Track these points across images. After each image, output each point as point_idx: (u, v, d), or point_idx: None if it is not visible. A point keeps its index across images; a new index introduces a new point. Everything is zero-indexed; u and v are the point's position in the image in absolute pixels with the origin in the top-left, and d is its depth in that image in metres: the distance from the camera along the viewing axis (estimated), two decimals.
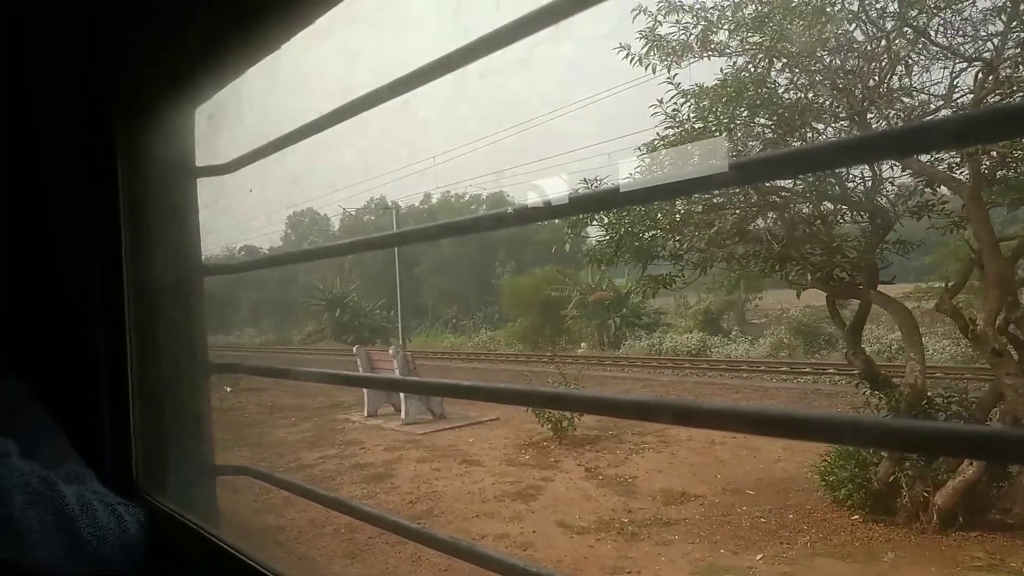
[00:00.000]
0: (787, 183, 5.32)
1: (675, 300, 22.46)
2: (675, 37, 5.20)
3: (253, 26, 0.66)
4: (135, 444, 0.86)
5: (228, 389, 12.57)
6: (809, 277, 5.26)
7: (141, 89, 0.85)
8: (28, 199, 1.00)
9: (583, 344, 19.35)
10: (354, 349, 10.01)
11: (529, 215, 0.50)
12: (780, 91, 5.14)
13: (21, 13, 0.94)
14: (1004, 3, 4.36)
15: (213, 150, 0.94)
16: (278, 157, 0.83)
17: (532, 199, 0.49)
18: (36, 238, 1.01)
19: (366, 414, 9.26)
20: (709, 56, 5.22)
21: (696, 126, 5.31)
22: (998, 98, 4.40)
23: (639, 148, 6.04)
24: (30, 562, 0.67)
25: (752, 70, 5.13)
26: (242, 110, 0.98)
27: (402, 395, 8.61)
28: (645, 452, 6.86)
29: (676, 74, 5.37)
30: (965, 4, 4.42)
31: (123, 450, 0.86)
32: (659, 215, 5.59)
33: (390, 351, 9.17)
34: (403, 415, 8.58)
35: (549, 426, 7.08)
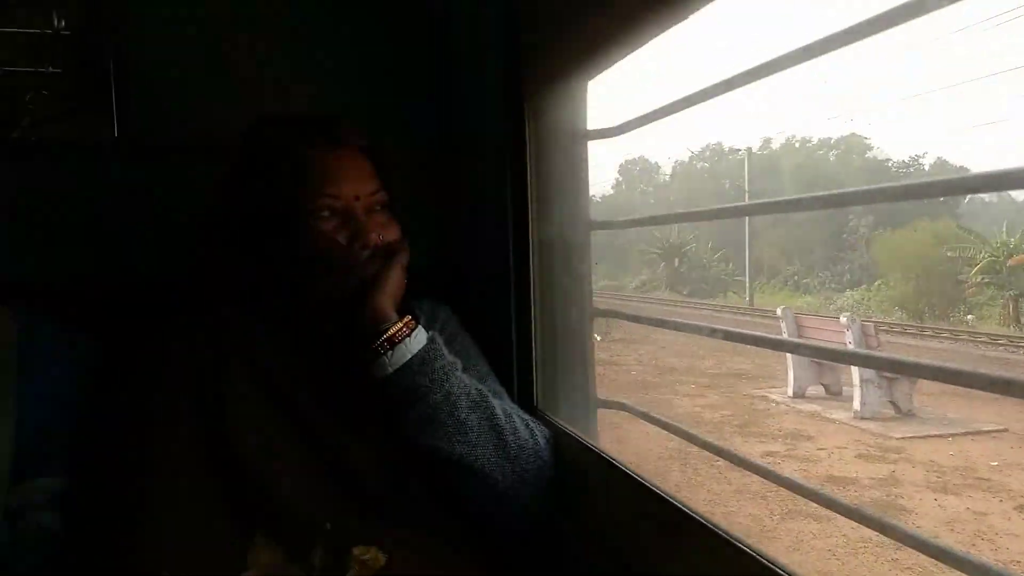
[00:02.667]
0: None
1: None
2: None
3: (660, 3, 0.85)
4: (536, 373, 1.18)
5: (598, 338, 13.91)
6: None
7: (548, 63, 1.13)
8: (456, 160, 1.45)
9: (968, 317, 16.96)
10: (778, 311, 9.67)
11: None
12: None
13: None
14: None
15: (599, 112, 1.28)
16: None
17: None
18: (463, 195, 1.44)
19: (791, 393, 8.70)
20: None
21: None
22: None
23: None
24: (471, 457, 0.96)
25: None
26: (628, 75, 1.28)
27: (856, 378, 7.72)
28: None
29: None
30: None
31: (527, 377, 1.18)
32: None
33: (842, 319, 8.35)
34: (857, 405, 7.77)
35: None
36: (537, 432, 1.05)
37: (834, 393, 8.65)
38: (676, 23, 0.89)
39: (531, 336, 1.19)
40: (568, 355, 1.21)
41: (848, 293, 23.10)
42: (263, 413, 0.98)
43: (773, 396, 8.88)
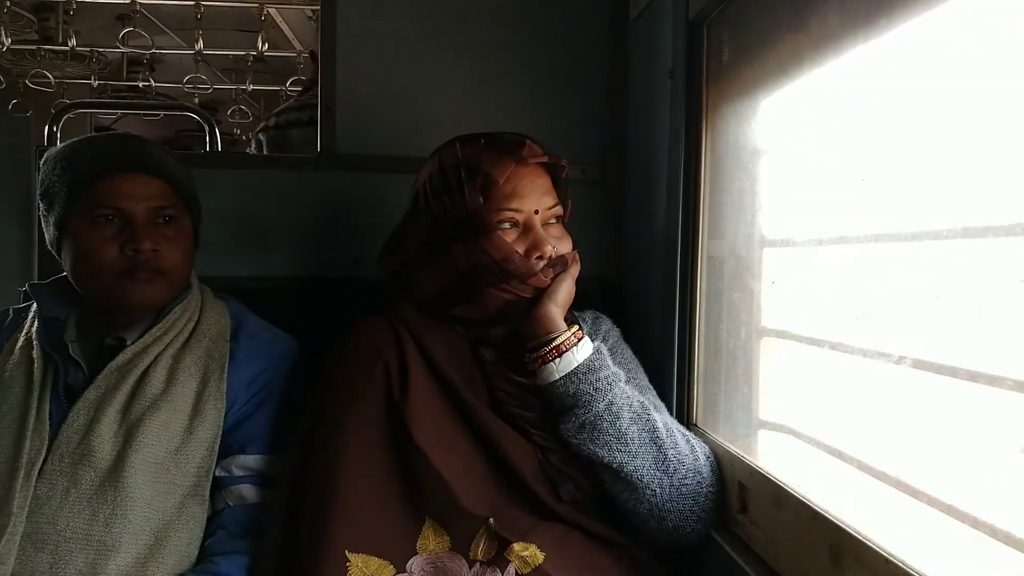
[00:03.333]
0: None
1: None
2: None
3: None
4: (696, 388, 1.18)
5: None
6: None
7: (732, 81, 1.16)
8: (628, 174, 1.51)
9: None
10: None
11: None
12: None
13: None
14: None
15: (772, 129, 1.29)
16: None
17: None
18: (633, 208, 1.49)
19: None
20: None
21: None
22: None
23: None
24: (630, 467, 1.00)
25: None
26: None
27: None
28: None
29: None
30: None
31: (687, 392, 1.19)
32: None
33: None
34: None
35: None
36: (698, 448, 1.07)
37: None
38: (875, 37, 0.87)
39: (694, 352, 1.20)
40: (732, 373, 1.20)
41: None
42: (438, 408, 1.06)
43: None
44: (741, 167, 1.18)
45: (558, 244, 1.08)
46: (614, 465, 1.00)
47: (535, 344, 1.05)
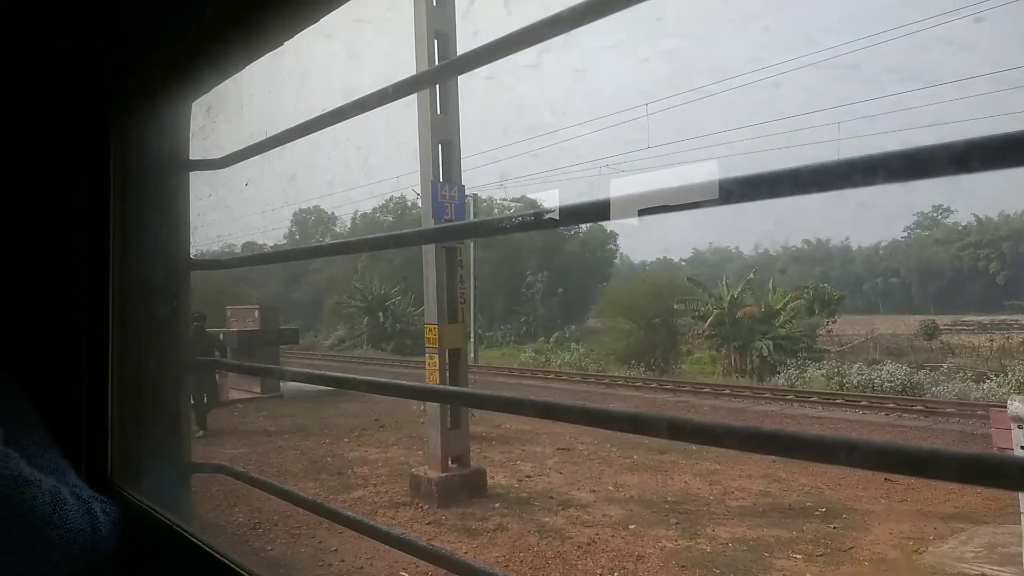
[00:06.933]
0: None
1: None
2: None
3: (254, 21, 0.82)
4: (112, 438, 1.04)
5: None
6: None
7: (138, 80, 1.03)
8: (17, 192, 1.20)
9: (684, 366, 19.34)
10: (1012, 404, 4.96)
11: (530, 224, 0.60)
12: None
13: (18, 4, 1.14)
14: None
15: (210, 144, 1.10)
16: (276, 153, 1.03)
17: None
18: (22, 231, 1.20)
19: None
20: None
21: None
22: None
23: None
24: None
25: None
26: (241, 105, 1.21)
27: None
28: None
29: None
30: None
31: (99, 444, 1.04)
32: None
33: None
34: None
35: None
36: (101, 515, 0.92)
37: None
38: (272, 47, 0.87)
39: (107, 397, 1.04)
40: (158, 415, 1.08)
41: (571, 347, 23.81)
42: None
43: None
44: (157, 182, 1.09)
45: None
46: None
47: None
